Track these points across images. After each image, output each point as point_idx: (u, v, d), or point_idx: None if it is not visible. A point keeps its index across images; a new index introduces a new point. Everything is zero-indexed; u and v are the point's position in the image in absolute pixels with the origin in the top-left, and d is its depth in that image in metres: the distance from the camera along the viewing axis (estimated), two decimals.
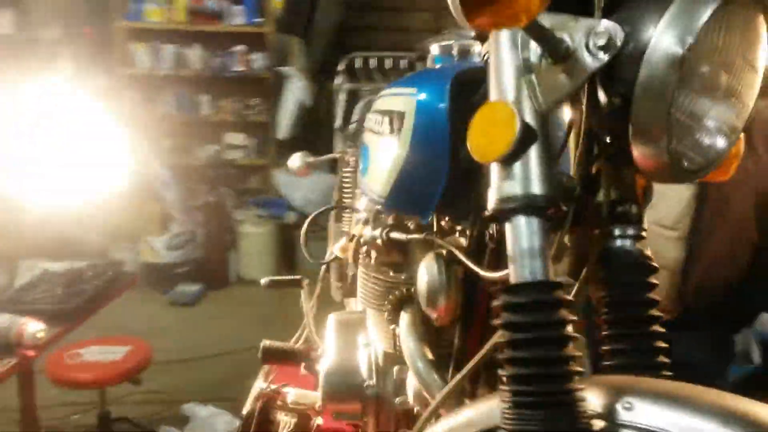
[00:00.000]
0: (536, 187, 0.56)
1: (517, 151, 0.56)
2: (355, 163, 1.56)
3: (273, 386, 1.54)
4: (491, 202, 0.59)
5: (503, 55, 0.60)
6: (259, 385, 1.55)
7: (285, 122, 4.37)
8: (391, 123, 0.85)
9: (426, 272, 0.85)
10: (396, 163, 0.84)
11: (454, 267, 0.84)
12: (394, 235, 0.97)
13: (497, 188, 0.58)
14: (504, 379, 0.56)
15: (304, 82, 4.34)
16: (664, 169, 0.58)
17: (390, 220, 1.08)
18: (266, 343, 1.31)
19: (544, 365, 0.54)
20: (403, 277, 1.04)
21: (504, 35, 0.60)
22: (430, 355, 0.93)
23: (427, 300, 0.85)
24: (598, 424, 0.53)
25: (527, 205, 0.57)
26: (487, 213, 0.60)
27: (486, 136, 0.57)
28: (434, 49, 1.01)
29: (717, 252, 1.74)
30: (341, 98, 1.82)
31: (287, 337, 3.45)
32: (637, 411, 0.52)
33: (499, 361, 0.58)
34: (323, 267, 1.54)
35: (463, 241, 0.85)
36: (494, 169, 0.59)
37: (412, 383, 1.03)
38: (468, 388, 0.93)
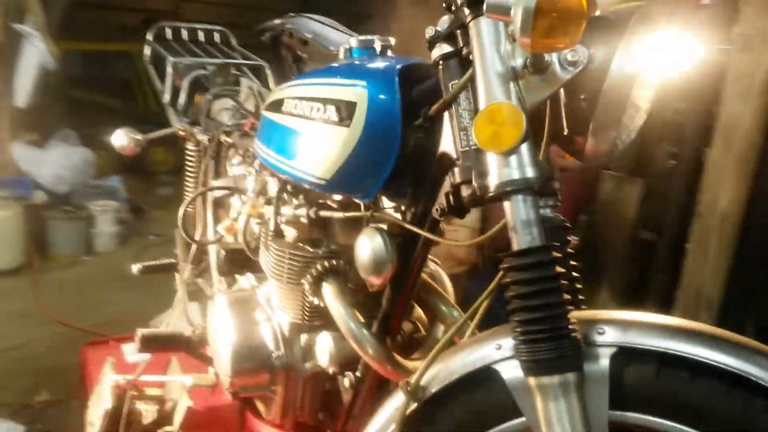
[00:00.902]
0: (530, 172, 0.72)
1: (521, 144, 0.71)
2: (208, 142, 1.54)
3: (129, 377, 1.48)
4: (492, 185, 0.73)
5: (494, 65, 0.74)
6: (112, 377, 1.47)
7: (23, 88, 3.84)
8: (338, 111, 0.92)
9: (369, 244, 0.95)
10: (344, 150, 0.92)
11: (394, 239, 0.96)
12: (325, 213, 1.04)
13: (498, 174, 0.72)
14: (516, 322, 0.72)
15: (45, 43, 3.85)
16: (604, 155, 0.78)
17: (300, 200, 1.15)
18: (144, 331, 1.26)
19: (550, 309, 0.70)
20: (321, 252, 1.12)
21: (491, 48, 0.74)
22: (361, 318, 1.04)
23: (371, 269, 0.96)
24: (585, 346, 0.72)
25: (524, 186, 0.72)
26: (489, 194, 0.73)
27: (497, 131, 0.70)
28: (353, 41, 1.09)
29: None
30: (169, 72, 1.74)
31: (53, 334, 3.13)
32: (608, 334, 0.72)
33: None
34: (194, 249, 1.50)
35: (398, 216, 0.97)
36: (493, 158, 0.73)
37: (326, 347, 1.13)
38: (390, 344, 1.07)
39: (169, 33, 1.94)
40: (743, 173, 2.01)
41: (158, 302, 2.50)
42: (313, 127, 0.97)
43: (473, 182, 0.78)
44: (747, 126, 1.98)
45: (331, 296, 1.06)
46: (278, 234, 1.16)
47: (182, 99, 1.77)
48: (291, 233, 1.12)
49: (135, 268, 1.40)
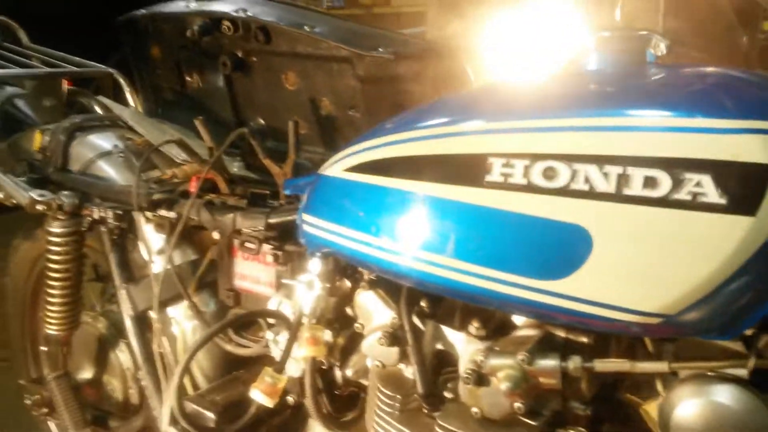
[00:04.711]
0: None
1: None
2: (115, 220, 0.84)
3: None
4: None
5: None
6: None
7: None
8: (724, 188, 0.47)
9: (738, 410, 0.53)
10: (733, 258, 0.47)
11: None
12: (618, 365, 0.56)
13: None
14: None
15: None
16: None
17: (478, 328, 0.64)
18: None
19: None
20: (549, 413, 0.63)
21: None
22: None
23: None
24: None
25: None
26: None
27: None
28: (602, 41, 0.57)
29: None
30: None
31: None
32: None
33: None
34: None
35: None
36: None
37: None
38: None
39: None
40: None
41: None
42: (634, 216, 0.49)
43: None
44: None
45: None
46: (433, 400, 0.63)
47: None
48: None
49: None
